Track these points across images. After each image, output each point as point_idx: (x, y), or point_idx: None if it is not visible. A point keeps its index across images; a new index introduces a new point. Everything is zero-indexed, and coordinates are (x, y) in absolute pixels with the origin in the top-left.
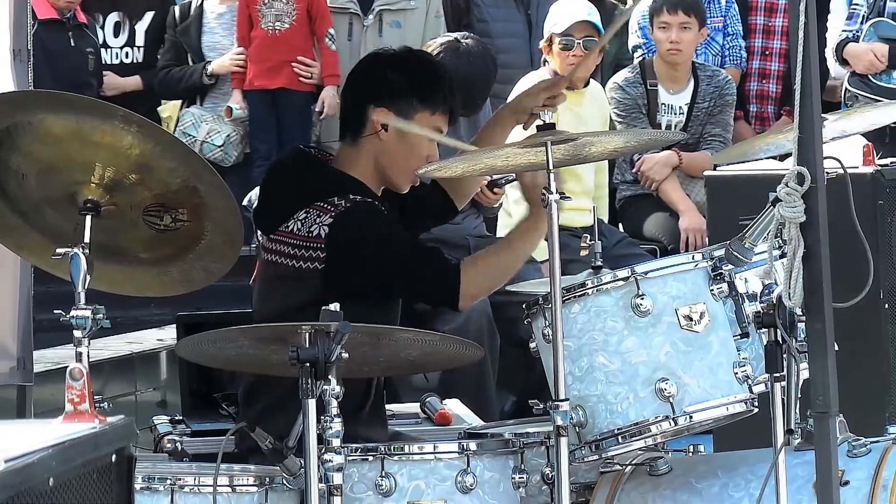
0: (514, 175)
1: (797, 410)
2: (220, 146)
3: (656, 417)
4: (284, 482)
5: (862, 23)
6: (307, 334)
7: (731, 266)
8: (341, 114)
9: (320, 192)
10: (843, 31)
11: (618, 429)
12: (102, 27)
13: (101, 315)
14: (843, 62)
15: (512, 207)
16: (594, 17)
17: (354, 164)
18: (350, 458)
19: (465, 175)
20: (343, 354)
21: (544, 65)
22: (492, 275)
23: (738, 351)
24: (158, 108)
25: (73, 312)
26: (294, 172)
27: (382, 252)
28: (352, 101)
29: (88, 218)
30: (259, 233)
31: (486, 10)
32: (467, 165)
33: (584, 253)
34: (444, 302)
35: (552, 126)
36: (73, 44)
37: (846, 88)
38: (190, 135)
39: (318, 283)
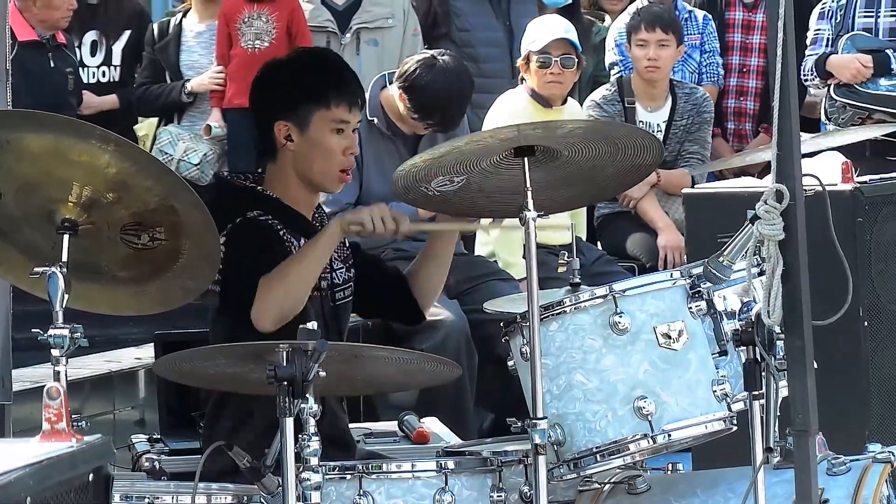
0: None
1: (776, 428)
2: (196, 164)
3: (635, 436)
4: (263, 501)
5: (826, 46)
6: (285, 353)
7: (709, 284)
8: (255, 138)
9: (236, 215)
10: (808, 55)
11: (596, 447)
12: (79, 46)
13: (79, 334)
14: (827, 75)
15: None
16: (571, 34)
17: (280, 182)
18: (328, 476)
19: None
20: (321, 373)
21: (521, 83)
22: (283, 285)
23: (717, 369)
24: (135, 127)
25: (51, 331)
26: (214, 203)
27: (243, 260)
28: (256, 124)
29: (66, 237)
30: None
31: (466, 20)
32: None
33: (561, 270)
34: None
35: (531, 149)
36: (52, 64)
37: (832, 98)
38: (167, 153)
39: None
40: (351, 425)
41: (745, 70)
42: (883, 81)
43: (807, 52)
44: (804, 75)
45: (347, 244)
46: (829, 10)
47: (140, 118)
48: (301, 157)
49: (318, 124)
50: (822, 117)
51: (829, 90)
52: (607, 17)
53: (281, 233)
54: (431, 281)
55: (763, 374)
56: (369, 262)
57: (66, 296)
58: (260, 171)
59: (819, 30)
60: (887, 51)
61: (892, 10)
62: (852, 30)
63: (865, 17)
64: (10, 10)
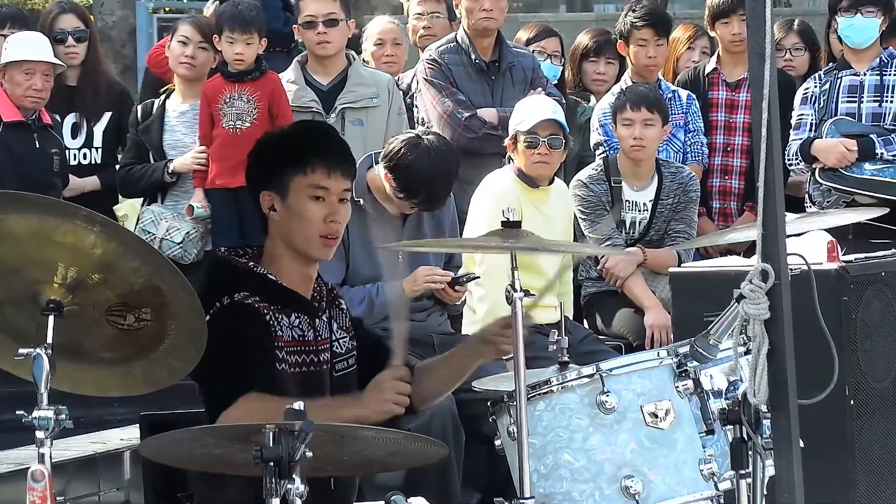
0: (476, 273)
1: None
2: (179, 243)
3: None
4: None
5: (810, 130)
6: (271, 433)
7: (696, 363)
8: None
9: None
10: (791, 139)
11: None
12: (60, 128)
13: (63, 415)
14: (811, 160)
15: (476, 304)
16: (559, 115)
17: (273, 257)
18: None
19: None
20: (307, 453)
21: (509, 163)
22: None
23: (704, 448)
24: (115, 207)
25: (35, 413)
26: (206, 283)
27: (230, 348)
28: (252, 198)
29: (51, 318)
30: None
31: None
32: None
33: (552, 348)
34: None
35: (518, 224)
36: (38, 145)
37: (816, 182)
38: (149, 232)
39: None
40: None
41: (729, 149)
42: (867, 166)
43: (791, 137)
44: (788, 160)
45: (348, 315)
46: (811, 96)
47: (125, 198)
48: (283, 226)
49: (296, 190)
50: (807, 201)
51: (813, 174)
52: (592, 98)
53: (266, 317)
54: (443, 384)
55: (750, 452)
56: (373, 342)
57: (51, 377)
58: (259, 246)
59: (802, 115)
60: (871, 135)
61: (874, 96)
62: (835, 115)
63: (848, 102)
64: None
